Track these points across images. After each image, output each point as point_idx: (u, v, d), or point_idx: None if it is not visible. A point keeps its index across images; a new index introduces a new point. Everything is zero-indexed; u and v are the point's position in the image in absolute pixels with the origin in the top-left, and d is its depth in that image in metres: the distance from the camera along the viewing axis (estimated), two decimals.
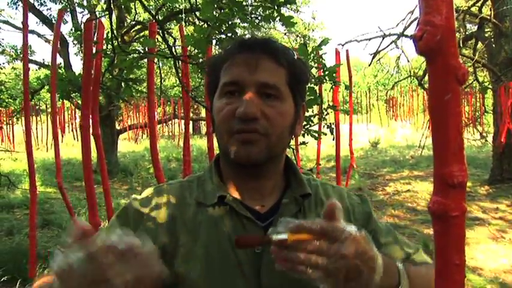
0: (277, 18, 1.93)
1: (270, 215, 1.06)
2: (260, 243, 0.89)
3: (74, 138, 16.78)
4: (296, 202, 1.08)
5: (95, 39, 2.44)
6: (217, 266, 0.99)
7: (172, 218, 1.05)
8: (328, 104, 3.23)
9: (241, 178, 1.08)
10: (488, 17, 9.08)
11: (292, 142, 3.12)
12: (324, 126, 3.33)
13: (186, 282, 0.98)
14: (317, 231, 0.76)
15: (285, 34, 16.81)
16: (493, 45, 9.54)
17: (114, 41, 2.13)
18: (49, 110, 16.30)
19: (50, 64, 12.50)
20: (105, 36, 2.47)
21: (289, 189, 1.11)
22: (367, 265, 0.79)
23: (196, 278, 0.98)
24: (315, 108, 3.14)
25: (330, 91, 3.50)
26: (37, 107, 17.46)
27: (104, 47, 2.44)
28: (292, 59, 1.07)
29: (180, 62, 2.64)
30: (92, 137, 2.33)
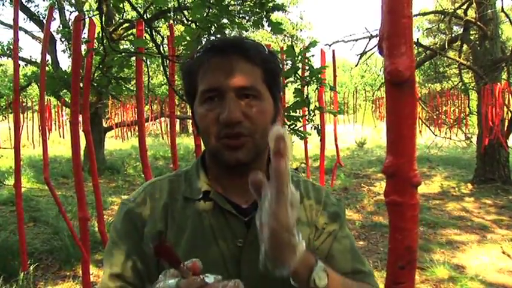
0: (266, 24, 1.96)
1: (253, 209, 1.08)
2: (173, 265, 0.90)
3: (60, 136, 16.65)
4: None
5: (86, 37, 2.47)
6: (200, 258, 1.03)
7: (164, 210, 1.10)
8: (315, 106, 3.27)
9: (227, 175, 1.12)
10: (474, 20, 9.21)
11: None
12: (311, 128, 3.37)
13: None
14: None
15: (273, 34, 16.85)
16: (478, 48, 9.67)
17: (104, 40, 2.17)
18: (35, 107, 16.16)
19: (37, 61, 12.42)
20: (96, 35, 2.50)
21: None
22: None
23: None
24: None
25: (315, 91, 3.55)
26: (24, 104, 17.27)
27: (95, 46, 2.47)
28: (265, 55, 1.08)
29: (168, 60, 2.68)
30: (81, 134, 2.37)
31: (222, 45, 1.06)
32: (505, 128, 8.95)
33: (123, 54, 2.35)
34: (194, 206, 1.09)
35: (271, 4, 1.86)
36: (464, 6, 9.77)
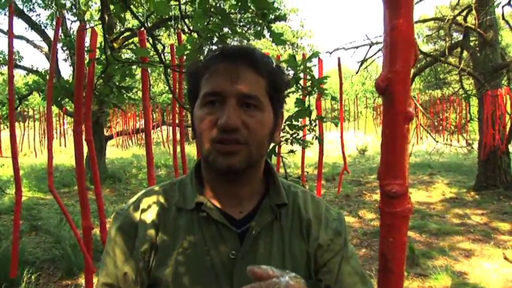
0: (268, 35, 1.97)
1: (247, 221, 1.08)
2: None
3: (61, 145, 16.66)
4: (272, 210, 1.10)
5: (88, 47, 2.48)
6: (191, 270, 1.03)
7: (158, 219, 1.09)
8: (317, 116, 3.28)
9: (220, 184, 1.11)
10: (473, 27, 9.24)
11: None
12: (313, 137, 3.38)
13: (160, 285, 1.03)
14: None
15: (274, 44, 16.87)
16: (478, 54, 9.69)
17: (107, 50, 2.18)
18: (36, 116, 16.18)
19: (38, 70, 12.42)
20: (98, 44, 2.52)
21: (267, 197, 1.13)
22: None
23: (170, 282, 1.02)
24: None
25: (317, 100, 3.57)
26: (25, 113, 17.31)
27: (97, 55, 2.48)
28: (272, 68, 1.08)
29: (170, 69, 2.69)
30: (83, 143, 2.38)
31: (232, 52, 1.05)
32: (506, 134, 8.94)
33: (125, 63, 2.35)
34: (187, 216, 1.09)
35: (273, 16, 1.87)
36: (464, 13, 9.81)
